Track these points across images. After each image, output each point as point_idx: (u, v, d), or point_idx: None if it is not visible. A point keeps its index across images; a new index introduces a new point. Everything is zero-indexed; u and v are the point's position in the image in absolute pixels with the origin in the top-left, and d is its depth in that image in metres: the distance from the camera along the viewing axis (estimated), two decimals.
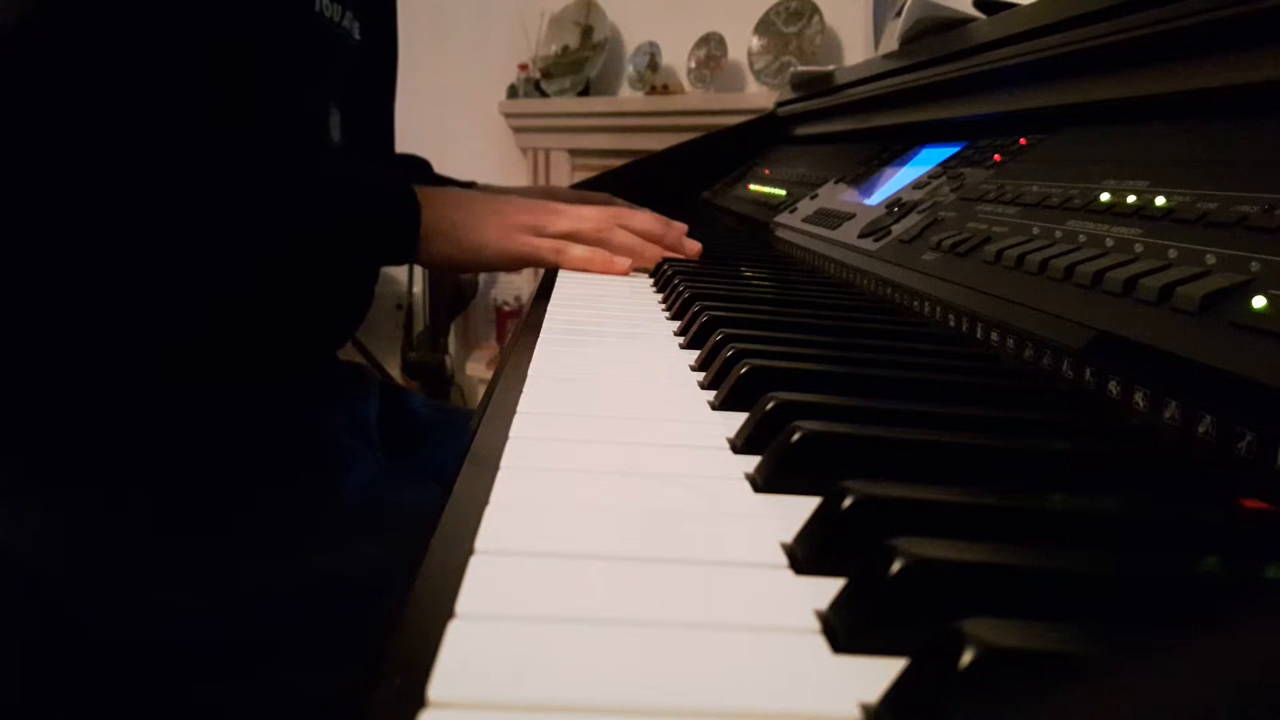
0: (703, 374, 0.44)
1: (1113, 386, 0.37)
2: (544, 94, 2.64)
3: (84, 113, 0.54)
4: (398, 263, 0.76)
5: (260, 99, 0.64)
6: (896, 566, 0.20)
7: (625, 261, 0.75)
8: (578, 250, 0.74)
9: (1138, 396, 0.35)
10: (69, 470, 0.56)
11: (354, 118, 0.76)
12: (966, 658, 0.16)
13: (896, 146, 0.94)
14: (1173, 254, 0.39)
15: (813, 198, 0.99)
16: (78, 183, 0.55)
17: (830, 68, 1.24)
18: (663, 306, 0.64)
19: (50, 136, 0.53)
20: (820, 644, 0.20)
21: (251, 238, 0.61)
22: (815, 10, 2.18)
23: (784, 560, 0.24)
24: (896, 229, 0.68)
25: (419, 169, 1.03)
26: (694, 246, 0.80)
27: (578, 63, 2.60)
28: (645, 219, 0.80)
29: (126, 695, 0.51)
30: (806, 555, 0.24)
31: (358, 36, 0.76)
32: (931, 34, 0.86)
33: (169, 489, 0.57)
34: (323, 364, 0.82)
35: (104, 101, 0.54)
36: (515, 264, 0.75)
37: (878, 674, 0.18)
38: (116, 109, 0.55)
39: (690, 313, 0.55)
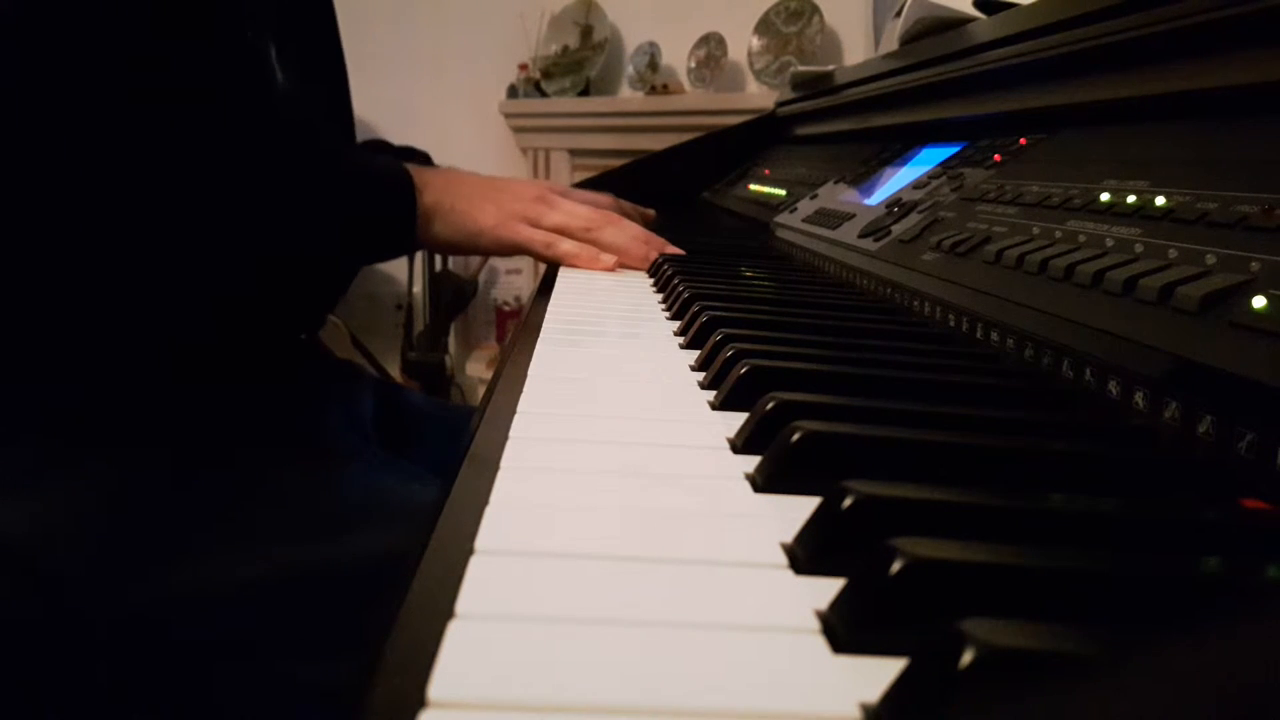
0: (703, 374, 0.44)
1: (1113, 386, 0.37)
2: (544, 94, 2.64)
3: (49, 90, 0.53)
4: (397, 252, 0.77)
5: (195, 33, 0.61)
6: (896, 566, 0.20)
7: (610, 258, 0.78)
8: (567, 245, 0.77)
9: (1138, 396, 0.35)
10: (68, 465, 0.56)
11: (293, 53, 0.75)
12: (966, 658, 0.16)
13: (896, 146, 0.94)
14: (1173, 254, 0.39)
15: (813, 198, 0.99)
16: (52, 163, 0.54)
17: (830, 68, 1.24)
18: (663, 306, 0.64)
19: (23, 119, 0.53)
20: (820, 644, 0.20)
21: (246, 229, 0.61)
22: (815, 10, 2.18)
23: (784, 560, 0.24)
24: (896, 229, 0.68)
25: (419, 162, 1.04)
26: (674, 250, 0.82)
27: (578, 63, 2.59)
28: (633, 226, 0.82)
29: (126, 689, 0.51)
30: (806, 555, 0.24)
31: None
32: (931, 34, 0.86)
33: (168, 485, 0.57)
34: (315, 354, 0.82)
35: (64, 75, 0.54)
36: (508, 251, 0.77)
37: (878, 674, 0.18)
38: (81, 83, 0.54)
39: (690, 313, 0.55)
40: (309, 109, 0.77)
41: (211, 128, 0.59)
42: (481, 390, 1.30)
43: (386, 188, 0.69)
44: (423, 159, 1.04)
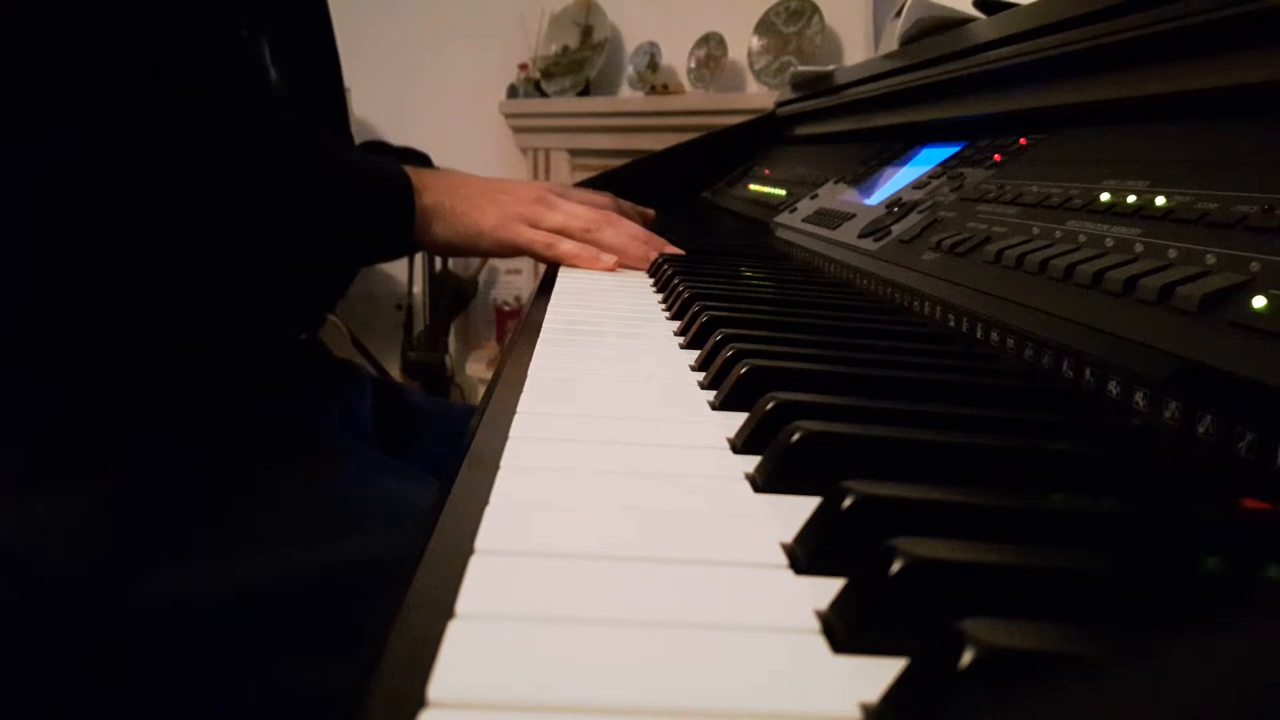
0: (703, 374, 0.44)
1: (1113, 386, 0.37)
2: (544, 94, 2.64)
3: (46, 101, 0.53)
4: (396, 254, 0.77)
5: (191, 35, 0.61)
6: (896, 566, 0.20)
7: (610, 258, 0.78)
8: (567, 245, 0.77)
9: (1138, 396, 0.35)
10: (68, 466, 0.56)
11: (286, 49, 0.75)
12: (966, 658, 0.16)
13: (896, 146, 0.94)
14: (1173, 254, 0.39)
15: (813, 198, 0.99)
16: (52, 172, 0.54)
17: (830, 68, 1.24)
18: (663, 306, 0.64)
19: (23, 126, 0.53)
20: (820, 644, 0.20)
21: (243, 231, 0.61)
22: (815, 10, 2.18)
23: (784, 560, 0.24)
24: (896, 229, 0.68)
25: (419, 163, 1.04)
26: (674, 250, 0.83)
27: (578, 63, 2.59)
28: (632, 226, 0.83)
29: (127, 690, 0.51)
30: (806, 555, 0.24)
31: None
32: (931, 34, 0.86)
33: (168, 486, 0.57)
34: (315, 355, 0.82)
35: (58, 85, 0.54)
36: (509, 251, 0.78)
37: (878, 674, 0.18)
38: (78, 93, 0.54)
39: (690, 313, 0.55)
40: (304, 107, 0.77)
41: (207, 128, 0.59)
42: (481, 390, 1.30)
43: (385, 189, 0.69)
44: (422, 161, 1.04)
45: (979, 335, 0.49)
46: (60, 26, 0.53)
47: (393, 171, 0.70)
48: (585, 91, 2.57)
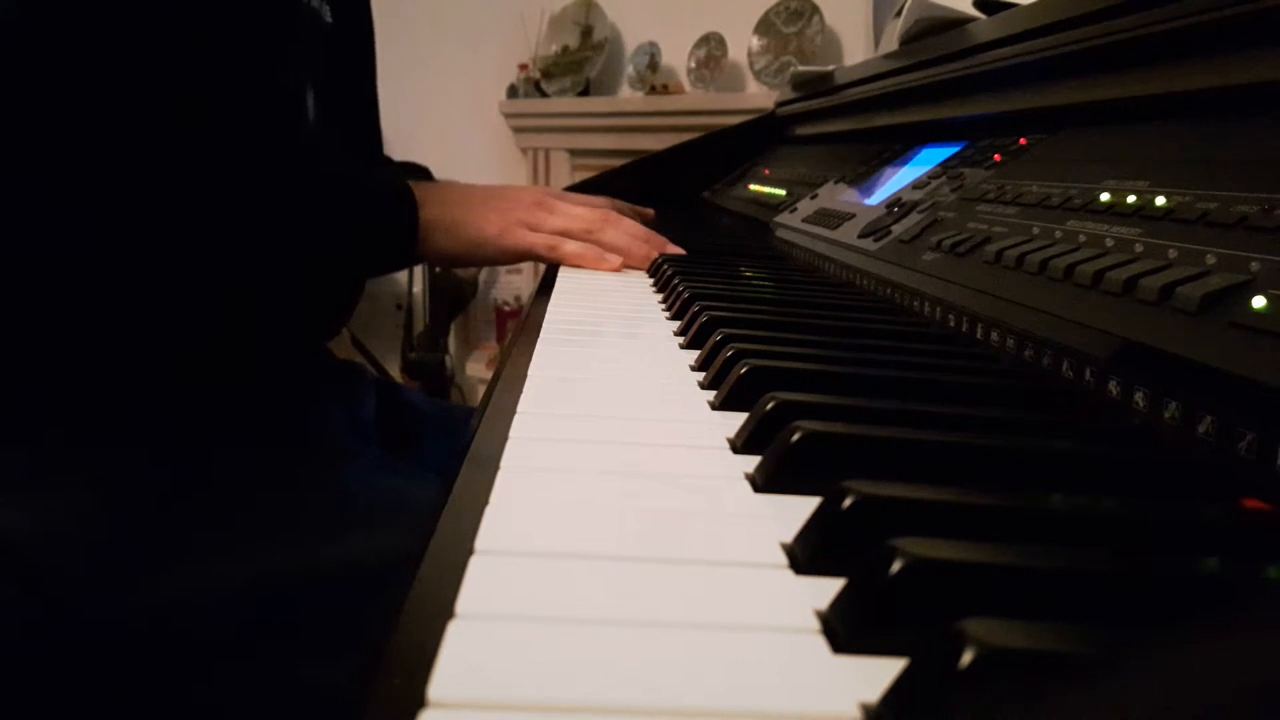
0: (703, 374, 0.44)
1: (1113, 386, 0.37)
2: (544, 94, 2.64)
3: (62, 107, 0.54)
4: (399, 265, 0.77)
5: (232, 77, 0.63)
6: (896, 566, 0.20)
7: (616, 259, 0.78)
8: (571, 246, 0.77)
9: (1138, 396, 0.35)
10: (69, 466, 0.56)
11: (330, 97, 0.76)
12: (966, 658, 0.16)
13: (896, 146, 0.94)
14: (1173, 254, 0.39)
15: (813, 198, 0.99)
16: (67, 180, 0.55)
17: (830, 68, 1.24)
18: (663, 306, 0.64)
19: (34, 131, 0.53)
20: (820, 644, 0.20)
21: (248, 245, 0.61)
22: (815, 10, 2.18)
23: (784, 560, 0.24)
24: (896, 229, 0.68)
25: (419, 177, 1.04)
26: (675, 249, 0.83)
27: (578, 63, 2.59)
28: (632, 225, 0.83)
29: (126, 689, 0.51)
30: (806, 555, 0.24)
31: (329, 19, 0.76)
32: (931, 34, 0.86)
33: (169, 486, 0.57)
34: (317, 358, 0.82)
35: (77, 94, 0.54)
36: (512, 258, 0.78)
37: (878, 674, 0.18)
38: (91, 100, 0.54)
39: (690, 313, 0.55)
40: (334, 142, 0.78)
41: (214, 130, 0.59)
42: (481, 390, 1.30)
43: (389, 201, 0.70)
44: (422, 174, 1.04)
45: (979, 335, 0.49)
46: (75, 35, 0.54)
47: (397, 185, 0.70)
48: (585, 91, 2.57)
